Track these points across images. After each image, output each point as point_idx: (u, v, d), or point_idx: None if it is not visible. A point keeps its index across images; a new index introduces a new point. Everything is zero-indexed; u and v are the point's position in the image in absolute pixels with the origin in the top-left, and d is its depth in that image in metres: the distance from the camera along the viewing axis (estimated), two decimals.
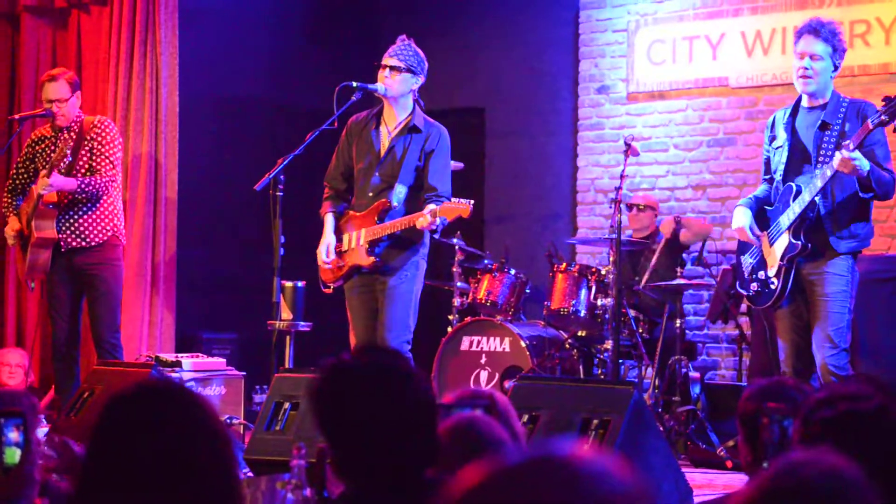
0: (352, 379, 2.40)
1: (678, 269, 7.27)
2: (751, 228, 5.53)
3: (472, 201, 5.71)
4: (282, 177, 5.84)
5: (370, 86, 5.96)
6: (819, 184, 5.27)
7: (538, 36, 9.17)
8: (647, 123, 8.68)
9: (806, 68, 5.37)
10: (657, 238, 7.74)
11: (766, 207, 5.57)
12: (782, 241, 5.43)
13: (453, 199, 5.75)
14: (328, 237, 6.06)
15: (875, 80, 7.73)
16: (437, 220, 5.70)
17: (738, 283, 5.81)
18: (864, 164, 5.17)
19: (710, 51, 8.43)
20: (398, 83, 5.94)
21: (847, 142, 5.18)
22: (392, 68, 5.93)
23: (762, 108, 8.24)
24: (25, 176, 6.91)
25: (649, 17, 8.67)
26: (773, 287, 5.47)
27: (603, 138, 8.84)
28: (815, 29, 5.38)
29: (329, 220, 6.10)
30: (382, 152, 6.00)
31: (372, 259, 5.92)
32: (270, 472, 4.61)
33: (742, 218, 5.57)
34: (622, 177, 6.88)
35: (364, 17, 9.70)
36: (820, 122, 5.38)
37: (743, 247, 5.75)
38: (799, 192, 5.36)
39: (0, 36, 8.46)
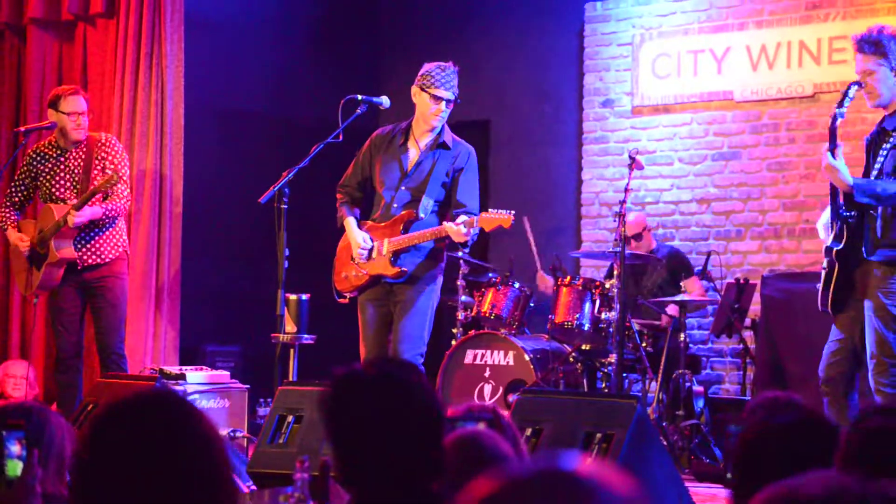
0: (361, 389, 2.43)
1: (681, 284, 7.24)
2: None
3: (513, 212, 5.71)
4: (286, 189, 5.84)
5: (375, 99, 5.98)
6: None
7: (543, 49, 9.18)
8: (652, 137, 8.68)
9: (864, 84, 5.37)
10: (658, 253, 7.72)
11: None
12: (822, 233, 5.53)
13: (491, 210, 5.75)
14: (359, 232, 6.04)
15: None
16: (473, 231, 5.71)
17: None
18: (847, 178, 5.18)
19: (714, 65, 8.43)
20: (448, 113, 5.96)
21: (837, 146, 5.21)
22: (448, 101, 5.93)
23: (766, 122, 8.24)
24: (26, 193, 6.92)
25: (654, 31, 8.68)
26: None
27: (607, 152, 8.84)
28: (859, 45, 5.37)
29: (351, 221, 6.09)
30: (410, 167, 6.01)
31: (397, 269, 5.92)
32: (274, 486, 4.61)
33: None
34: (626, 190, 6.87)
35: (369, 30, 9.72)
36: (880, 129, 5.40)
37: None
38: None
39: (6, 48, 8.48)
